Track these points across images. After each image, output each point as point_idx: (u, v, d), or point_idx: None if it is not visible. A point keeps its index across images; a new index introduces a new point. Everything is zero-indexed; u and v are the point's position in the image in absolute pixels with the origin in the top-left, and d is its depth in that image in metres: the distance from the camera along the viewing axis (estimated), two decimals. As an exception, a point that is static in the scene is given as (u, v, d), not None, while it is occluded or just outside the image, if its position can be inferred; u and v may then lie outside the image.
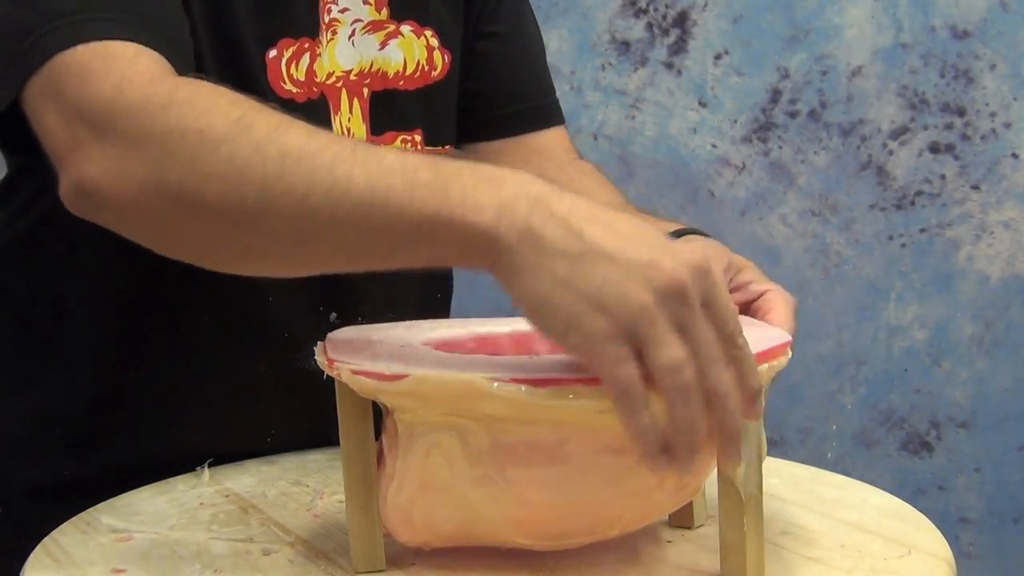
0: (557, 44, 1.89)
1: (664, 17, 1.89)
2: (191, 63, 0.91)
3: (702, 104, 1.90)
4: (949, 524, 1.90)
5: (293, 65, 1.03)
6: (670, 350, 0.70)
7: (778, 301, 0.92)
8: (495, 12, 1.21)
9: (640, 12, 1.89)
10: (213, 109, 0.79)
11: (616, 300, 0.70)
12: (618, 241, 0.71)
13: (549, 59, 1.93)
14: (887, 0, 1.87)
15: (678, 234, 0.97)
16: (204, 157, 0.77)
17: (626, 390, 0.71)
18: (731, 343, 0.71)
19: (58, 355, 1.06)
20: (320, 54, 1.05)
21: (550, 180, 0.75)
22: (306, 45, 1.04)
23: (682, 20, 1.89)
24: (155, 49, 0.85)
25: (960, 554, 1.65)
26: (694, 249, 0.72)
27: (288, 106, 1.00)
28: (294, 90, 1.04)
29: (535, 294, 0.71)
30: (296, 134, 0.77)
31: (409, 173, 0.74)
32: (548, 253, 0.71)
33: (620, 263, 0.70)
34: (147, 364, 1.05)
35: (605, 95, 1.90)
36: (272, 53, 1.03)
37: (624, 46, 1.90)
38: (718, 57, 1.89)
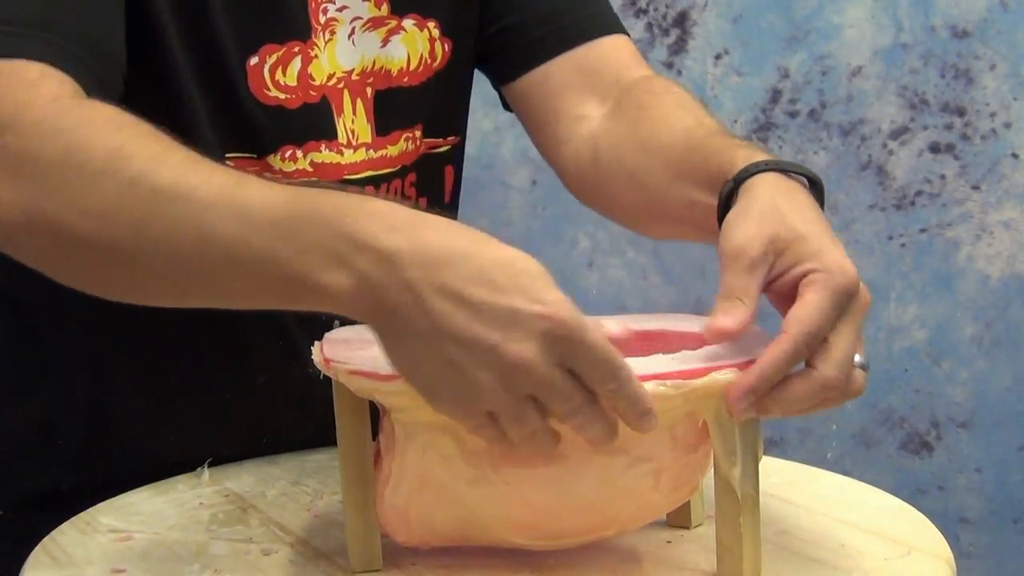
0: (557, 44, 1.89)
1: (664, 17, 1.89)
2: (113, 79, 0.90)
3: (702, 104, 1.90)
4: (949, 524, 1.90)
5: (279, 71, 1.00)
6: (517, 428, 0.72)
7: (808, 290, 0.79)
8: None
9: (640, 12, 1.89)
10: (95, 137, 0.78)
11: (461, 382, 0.71)
12: (464, 319, 0.70)
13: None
14: (887, 0, 1.87)
15: (758, 167, 0.85)
16: (82, 192, 0.77)
17: (496, 442, 0.74)
18: (601, 388, 0.72)
19: (55, 364, 1.06)
20: (317, 56, 1.02)
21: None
22: (295, 49, 1.01)
23: (682, 20, 1.89)
24: (64, 69, 0.84)
25: (960, 554, 1.65)
26: (550, 314, 0.70)
27: (276, 113, 1.00)
28: (282, 96, 1.00)
29: (393, 358, 0.74)
30: (169, 169, 0.76)
31: (272, 226, 0.73)
32: (399, 328, 0.72)
33: (464, 344, 0.70)
34: (145, 373, 1.05)
35: (605, 95, 1.90)
36: (254, 60, 0.99)
37: (624, 46, 1.90)
38: (718, 57, 1.89)
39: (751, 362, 0.78)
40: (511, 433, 0.73)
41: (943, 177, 1.89)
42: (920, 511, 0.93)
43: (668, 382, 0.76)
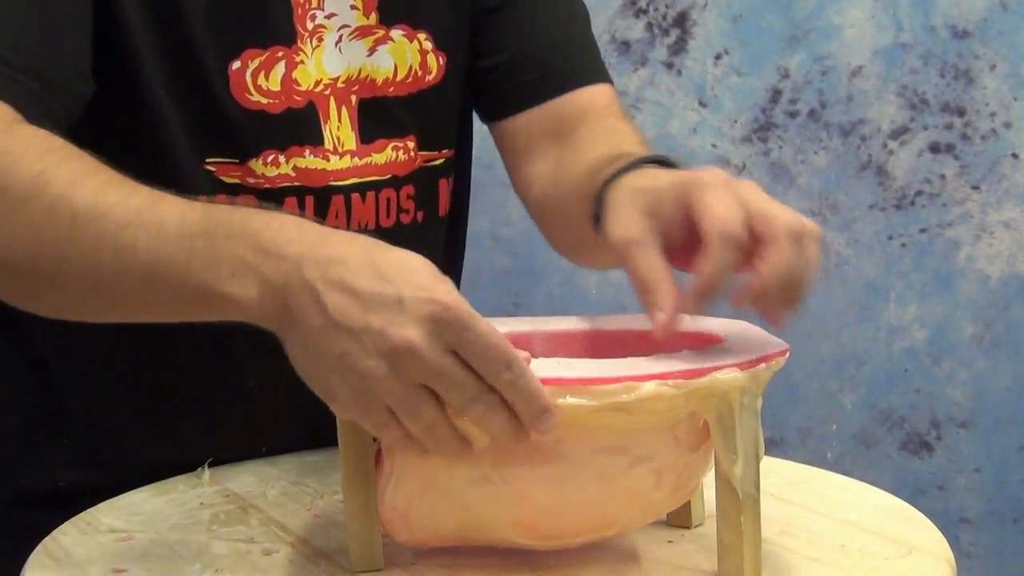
0: (557, 44, 1.89)
1: (664, 17, 1.89)
2: (65, 102, 0.92)
3: (702, 104, 1.90)
4: (949, 524, 1.90)
5: (262, 75, 1.01)
6: (414, 421, 0.74)
7: (698, 203, 0.79)
8: None
9: (640, 12, 1.89)
10: (19, 163, 0.82)
11: (353, 372, 0.73)
12: (356, 309, 0.73)
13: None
14: (887, 0, 1.87)
15: (642, 161, 0.90)
16: (8, 217, 0.82)
17: (398, 444, 0.76)
18: (495, 378, 0.73)
19: (47, 370, 1.06)
20: (303, 62, 1.02)
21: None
22: (279, 54, 1.01)
23: (682, 20, 1.89)
24: (3, 97, 0.87)
25: (960, 554, 1.65)
26: (435, 298, 0.72)
27: (258, 118, 1.00)
28: (265, 101, 1.01)
29: (297, 363, 0.76)
30: (88, 191, 0.81)
31: (186, 240, 0.78)
32: (299, 328, 0.75)
33: (354, 333, 0.73)
34: (140, 377, 1.05)
35: (605, 95, 1.90)
36: (236, 64, 1.00)
37: (624, 46, 1.90)
38: (718, 57, 1.89)
39: (753, 361, 0.78)
40: (410, 427, 0.74)
41: (943, 177, 1.89)
42: (920, 511, 0.93)
43: (670, 382, 0.76)
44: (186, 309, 0.80)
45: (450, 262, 1.17)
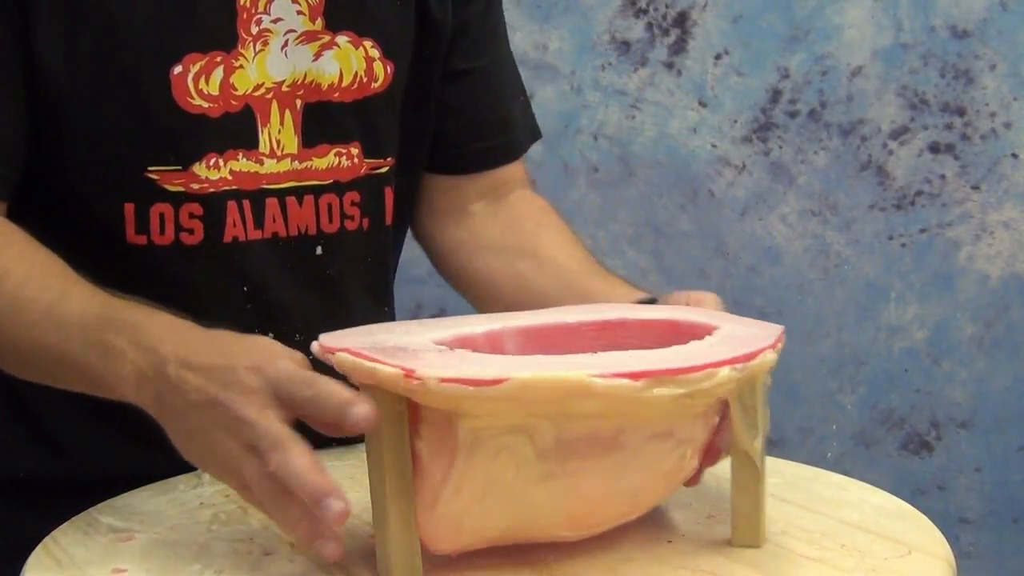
0: (557, 44, 1.89)
1: (664, 17, 1.89)
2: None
3: (702, 104, 1.90)
4: (949, 524, 1.90)
5: (202, 79, 1.02)
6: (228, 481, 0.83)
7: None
8: (471, 48, 1.18)
9: (640, 12, 1.89)
10: None
11: (210, 446, 0.82)
12: (198, 383, 0.82)
13: (549, 59, 1.92)
14: (887, 0, 1.87)
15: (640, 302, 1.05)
16: None
17: (262, 504, 0.81)
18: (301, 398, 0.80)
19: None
20: (242, 67, 1.03)
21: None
22: (218, 59, 1.02)
23: (682, 20, 1.89)
24: None
25: (960, 554, 1.65)
26: (247, 368, 0.81)
27: (199, 122, 1.02)
28: (205, 104, 1.02)
29: (178, 446, 0.85)
30: (11, 284, 0.93)
31: (82, 339, 0.90)
32: (166, 415, 0.85)
33: (201, 406, 0.82)
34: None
35: (605, 95, 1.90)
36: (178, 69, 1.01)
37: (624, 46, 1.90)
38: (718, 57, 1.89)
39: (775, 341, 0.83)
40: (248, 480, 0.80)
41: (943, 177, 1.89)
42: (920, 511, 0.93)
43: (738, 366, 0.79)
44: (92, 391, 0.91)
45: (391, 270, 1.19)
